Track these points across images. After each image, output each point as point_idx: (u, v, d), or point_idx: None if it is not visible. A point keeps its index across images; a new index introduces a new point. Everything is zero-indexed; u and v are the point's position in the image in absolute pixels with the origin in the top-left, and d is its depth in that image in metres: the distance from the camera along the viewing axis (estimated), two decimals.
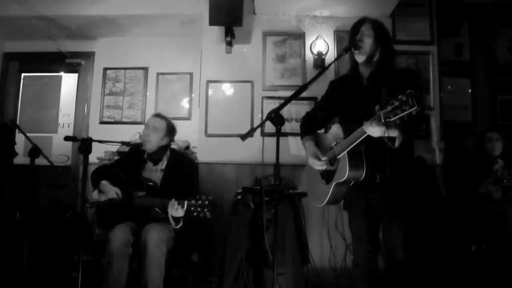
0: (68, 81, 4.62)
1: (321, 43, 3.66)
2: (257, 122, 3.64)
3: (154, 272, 2.36)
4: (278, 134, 2.03)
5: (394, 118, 1.63)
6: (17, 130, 2.52)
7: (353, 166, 1.96)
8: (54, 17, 3.94)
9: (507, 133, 3.34)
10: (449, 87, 4.11)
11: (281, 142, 2.13)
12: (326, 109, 2.31)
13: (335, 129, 2.13)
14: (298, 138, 3.59)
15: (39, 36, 4.30)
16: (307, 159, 2.23)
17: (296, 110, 3.66)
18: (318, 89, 3.57)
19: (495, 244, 2.94)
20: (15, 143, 3.82)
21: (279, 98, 3.66)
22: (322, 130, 2.41)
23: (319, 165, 2.15)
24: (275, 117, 2.03)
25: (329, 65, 2.34)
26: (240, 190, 2.91)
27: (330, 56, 3.66)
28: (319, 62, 3.63)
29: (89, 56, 4.45)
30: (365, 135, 1.83)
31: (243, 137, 2.20)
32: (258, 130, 3.49)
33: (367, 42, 2.05)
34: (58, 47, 4.40)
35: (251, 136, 3.42)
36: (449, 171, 3.52)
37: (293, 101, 2.26)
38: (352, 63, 2.17)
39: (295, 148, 3.61)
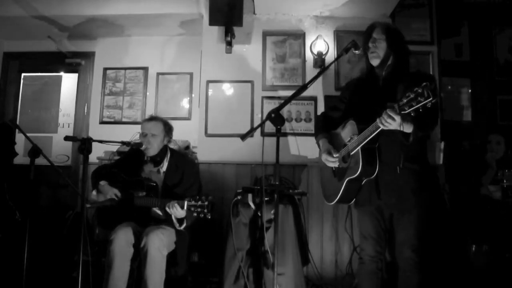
0: (68, 81, 4.62)
1: (321, 43, 3.66)
2: (257, 122, 3.64)
3: (155, 276, 2.36)
4: (278, 134, 2.05)
5: (409, 110, 1.66)
6: (17, 130, 2.53)
7: (366, 162, 1.98)
8: (54, 17, 3.94)
9: (507, 134, 3.34)
10: (449, 87, 4.11)
11: (281, 142, 2.13)
12: (341, 109, 2.33)
13: (350, 127, 2.14)
14: (298, 138, 3.62)
15: (39, 36, 4.30)
16: (320, 156, 2.26)
17: (296, 110, 3.67)
18: (318, 89, 3.62)
19: (496, 244, 2.94)
20: (15, 143, 3.82)
21: (279, 98, 3.66)
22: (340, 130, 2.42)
23: (332, 162, 2.17)
24: (275, 117, 2.04)
25: (329, 65, 2.35)
26: (240, 190, 2.90)
27: (330, 56, 3.66)
28: (319, 62, 3.63)
29: (89, 56, 4.45)
30: (380, 128, 1.85)
31: (243, 137, 2.21)
32: (258, 130, 3.49)
33: (379, 46, 2.09)
34: (58, 47, 4.40)
35: (251, 136, 3.43)
36: (449, 171, 3.53)
37: (293, 101, 2.28)
38: (368, 65, 2.20)
39: (295, 148, 3.61)
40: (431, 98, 1.59)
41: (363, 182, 2.08)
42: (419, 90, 1.61)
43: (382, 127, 1.82)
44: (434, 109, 1.68)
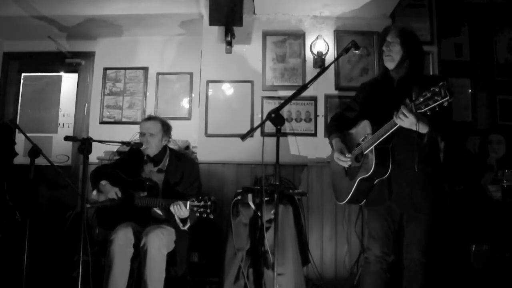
0: (68, 81, 4.62)
1: (321, 43, 3.66)
2: (257, 122, 3.63)
3: (155, 275, 2.36)
4: (278, 134, 2.05)
5: (426, 109, 1.67)
6: (17, 130, 2.52)
7: (379, 161, 1.99)
8: (54, 17, 3.93)
9: (507, 134, 3.34)
10: None
11: (281, 142, 2.13)
12: (355, 109, 2.34)
13: (363, 127, 2.14)
14: (298, 138, 3.62)
15: (39, 36, 4.30)
16: (332, 155, 2.27)
17: (296, 110, 3.67)
18: (318, 89, 3.62)
19: (496, 244, 2.94)
20: (15, 143, 3.82)
21: (279, 98, 3.66)
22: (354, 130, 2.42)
23: (345, 161, 2.18)
24: (275, 117, 2.05)
25: (329, 65, 2.35)
26: (240, 190, 2.91)
27: (330, 56, 3.66)
28: (319, 62, 3.63)
29: (89, 56, 4.45)
30: (396, 126, 1.86)
31: (243, 137, 2.22)
32: (258, 130, 3.49)
33: (394, 50, 2.11)
34: (58, 47, 4.40)
35: (251, 136, 3.43)
36: (449, 171, 3.52)
37: (293, 101, 2.29)
38: (383, 67, 2.22)
39: (295, 148, 3.61)
40: (448, 97, 1.60)
41: (375, 182, 2.09)
42: (436, 89, 1.62)
43: (398, 122, 1.83)
44: (449, 109, 1.71)
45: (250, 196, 2.81)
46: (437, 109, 1.65)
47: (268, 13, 3.76)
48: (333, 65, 2.99)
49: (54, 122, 4.57)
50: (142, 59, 4.37)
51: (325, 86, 3.65)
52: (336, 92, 3.67)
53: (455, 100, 4.08)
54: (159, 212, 2.67)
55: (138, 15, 3.89)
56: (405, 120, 1.80)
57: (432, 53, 3.74)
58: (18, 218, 3.19)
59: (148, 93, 4.33)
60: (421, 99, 1.68)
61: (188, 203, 2.41)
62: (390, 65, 2.14)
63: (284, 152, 3.54)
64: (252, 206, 2.79)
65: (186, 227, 2.55)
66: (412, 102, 1.74)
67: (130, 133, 3.22)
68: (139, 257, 2.43)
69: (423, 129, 1.86)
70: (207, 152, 3.61)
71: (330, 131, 2.38)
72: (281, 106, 2.13)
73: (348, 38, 3.33)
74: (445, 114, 1.81)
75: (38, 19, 3.94)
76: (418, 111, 1.71)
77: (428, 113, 1.68)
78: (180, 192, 2.65)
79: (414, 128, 1.83)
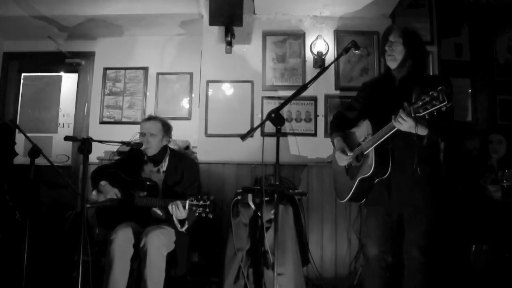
0: (68, 81, 4.62)
1: (321, 43, 3.67)
2: (257, 122, 3.63)
3: (155, 276, 2.36)
4: (278, 134, 2.06)
5: (424, 113, 1.68)
6: (17, 130, 2.53)
7: (378, 162, 2.00)
8: (54, 17, 3.94)
9: (507, 134, 3.33)
10: None
11: (281, 142, 2.14)
12: (357, 108, 2.35)
13: (364, 127, 2.15)
14: (298, 138, 3.62)
15: (39, 36, 4.30)
16: (334, 154, 2.28)
17: (296, 110, 3.67)
18: (318, 89, 3.62)
19: (496, 244, 2.94)
20: (15, 143, 3.82)
21: (279, 98, 3.66)
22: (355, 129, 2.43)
23: (345, 160, 2.20)
24: (275, 117, 2.06)
25: (329, 65, 2.35)
26: (240, 190, 2.91)
27: (330, 56, 3.66)
28: (319, 62, 3.63)
29: (89, 56, 4.45)
30: (395, 129, 1.88)
31: (243, 137, 2.22)
32: (258, 130, 3.50)
33: (396, 49, 2.11)
34: (58, 47, 4.39)
35: (251, 136, 3.43)
36: (449, 171, 3.52)
37: (293, 101, 2.29)
38: (385, 67, 2.23)
39: (295, 148, 3.61)
40: (445, 102, 1.61)
41: (375, 181, 2.10)
42: (435, 94, 1.63)
43: (397, 125, 1.84)
44: (449, 113, 1.71)
45: (250, 196, 2.81)
46: (435, 113, 1.66)
47: (268, 13, 3.76)
48: (333, 65, 2.99)
49: (54, 122, 4.57)
50: (142, 59, 4.37)
51: (325, 86, 3.65)
52: (336, 92, 3.67)
53: (455, 100, 4.09)
54: (159, 212, 2.66)
55: (138, 15, 3.89)
56: (404, 124, 1.81)
57: (432, 53, 3.74)
58: (18, 218, 3.19)
59: (148, 93, 4.33)
60: (420, 103, 1.69)
61: (187, 202, 2.41)
62: (392, 64, 2.14)
63: (284, 152, 3.55)
64: (252, 206, 2.79)
65: (184, 229, 2.55)
66: (410, 106, 1.75)
67: (130, 133, 3.22)
68: (139, 257, 2.43)
69: (422, 131, 1.87)
70: (207, 152, 3.61)
71: (331, 130, 2.40)
72: (281, 106, 2.14)
73: (348, 38, 3.33)
74: (446, 116, 1.81)
75: (38, 19, 3.94)
76: (417, 115, 1.72)
77: (426, 116, 1.70)
78: (180, 192, 2.65)
79: (413, 131, 1.84)
